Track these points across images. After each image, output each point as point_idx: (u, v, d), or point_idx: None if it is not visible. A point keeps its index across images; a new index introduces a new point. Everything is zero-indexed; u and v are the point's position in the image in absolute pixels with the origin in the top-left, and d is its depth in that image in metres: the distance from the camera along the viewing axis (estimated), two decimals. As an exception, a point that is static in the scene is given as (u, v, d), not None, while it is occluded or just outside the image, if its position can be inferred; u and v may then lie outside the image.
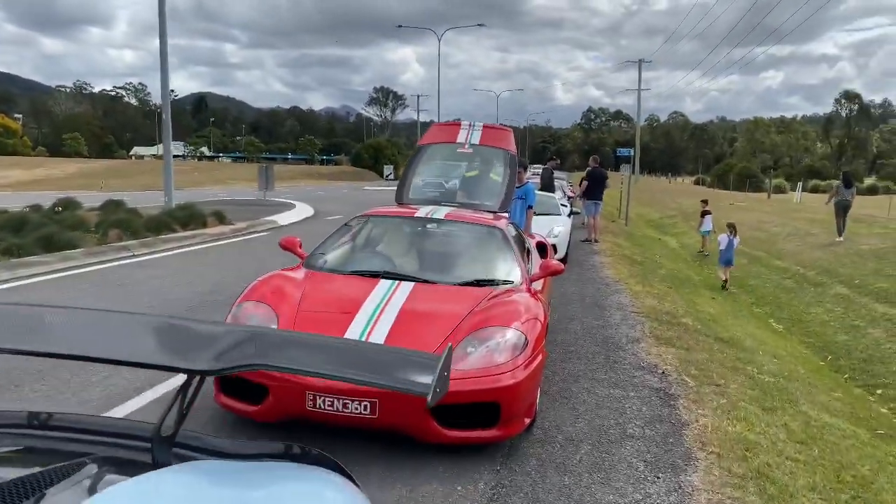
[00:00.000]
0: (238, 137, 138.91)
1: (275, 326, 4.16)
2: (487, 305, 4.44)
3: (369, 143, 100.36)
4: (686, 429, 4.78)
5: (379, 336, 4.08)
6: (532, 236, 7.70)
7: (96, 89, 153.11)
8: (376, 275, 4.85)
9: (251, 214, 17.76)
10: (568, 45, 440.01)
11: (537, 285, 5.35)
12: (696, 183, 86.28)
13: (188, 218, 13.57)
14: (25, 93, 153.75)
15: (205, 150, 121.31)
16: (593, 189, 16.20)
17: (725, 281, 13.84)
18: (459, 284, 4.83)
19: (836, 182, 20.26)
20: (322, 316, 4.33)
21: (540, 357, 4.28)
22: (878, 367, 9.01)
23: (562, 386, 5.55)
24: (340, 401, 3.71)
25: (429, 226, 5.65)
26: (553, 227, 12.26)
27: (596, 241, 16.35)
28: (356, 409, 3.71)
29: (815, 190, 76.36)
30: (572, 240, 15.79)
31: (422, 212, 5.73)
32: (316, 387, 3.72)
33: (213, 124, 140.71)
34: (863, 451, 5.35)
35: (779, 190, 74.01)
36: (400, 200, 6.69)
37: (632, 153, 26.22)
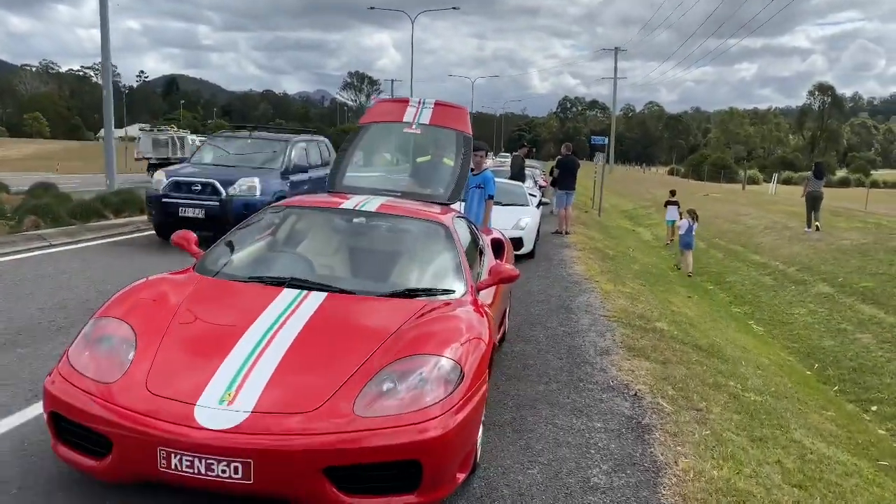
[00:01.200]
0: (210, 121, 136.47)
1: (132, 354, 3.18)
2: (417, 324, 3.49)
3: (342, 127, 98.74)
4: (663, 475, 3.87)
5: (267, 365, 3.11)
6: (490, 231, 6.74)
7: (63, 69, 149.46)
8: (281, 282, 3.86)
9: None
10: (544, 33, 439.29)
11: (486, 295, 4.40)
12: (670, 173, 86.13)
13: (122, 204, 12.42)
14: None
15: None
16: (565, 178, 15.32)
17: (678, 266, 14.50)
18: (385, 295, 3.86)
19: (809, 172, 19.75)
20: (198, 337, 3.35)
21: (481, 391, 3.34)
22: (870, 379, 8.24)
23: (515, 414, 4.62)
24: (203, 461, 2.74)
25: (356, 220, 4.65)
26: (519, 218, 11.34)
27: (567, 232, 15.48)
28: (224, 471, 2.74)
29: (787, 182, 76.49)
30: (542, 231, 14.91)
31: (350, 202, 4.72)
32: (171, 441, 2.75)
33: (184, 107, 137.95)
34: (870, 495, 4.51)
35: (752, 181, 74.03)
36: (332, 188, 5.70)
37: (606, 141, 25.40)
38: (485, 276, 4.69)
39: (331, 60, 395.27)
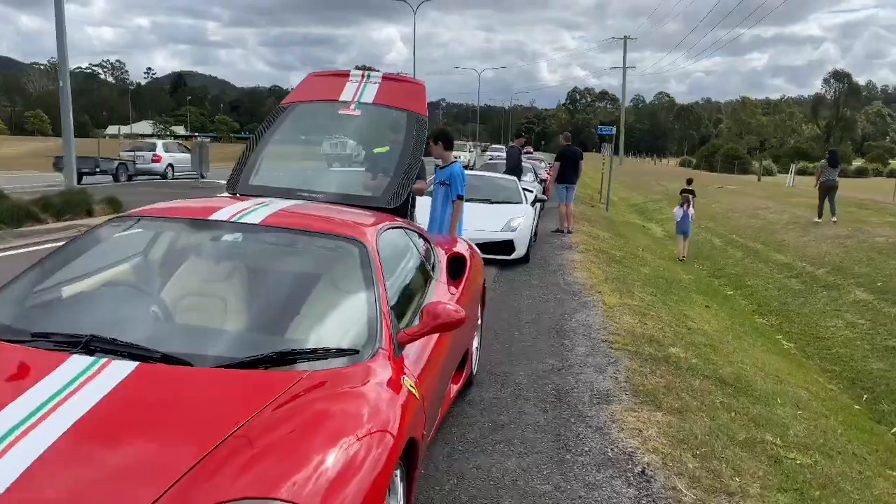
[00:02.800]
0: (218, 117, 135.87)
1: None
2: (267, 422, 2.06)
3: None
4: None
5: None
6: (454, 243, 5.26)
7: (72, 67, 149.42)
8: (76, 342, 2.43)
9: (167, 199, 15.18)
10: (553, 25, 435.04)
11: (413, 350, 2.95)
12: (682, 164, 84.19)
13: (65, 206, 11.07)
14: (2, 70, 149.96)
15: (178, 129, 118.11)
16: (564, 171, 13.82)
17: (682, 256, 14.68)
18: (240, 364, 2.41)
19: (822, 161, 18.69)
20: None
21: None
22: (935, 416, 6.78)
23: (466, 517, 3.20)
24: None
25: (226, 238, 3.20)
26: (511, 218, 9.88)
27: (569, 231, 14.01)
28: None
29: (802, 172, 74.53)
30: (541, 231, 13.45)
31: (226, 210, 3.25)
32: None
33: (192, 103, 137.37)
34: None
35: (767, 172, 72.09)
36: (232, 190, 4.27)
37: (614, 131, 23.82)
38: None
39: (340, 55, 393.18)
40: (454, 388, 4.13)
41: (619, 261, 11.60)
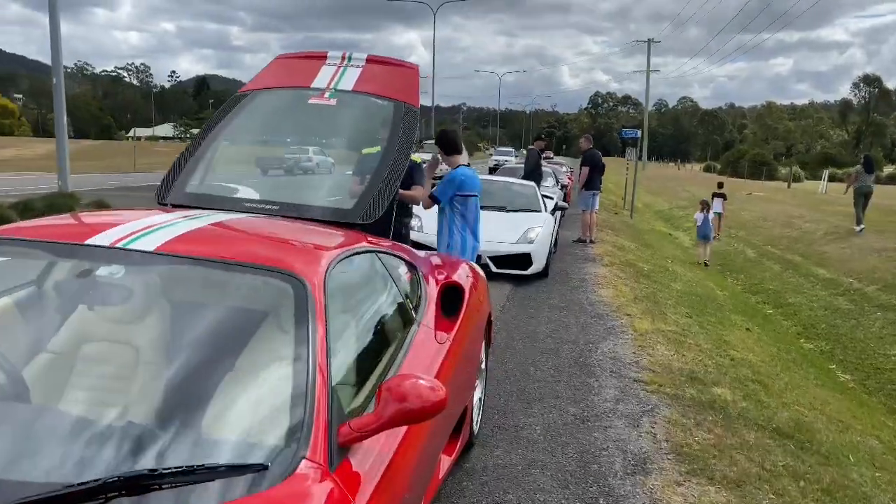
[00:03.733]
0: None
1: None
2: None
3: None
4: None
5: None
6: (452, 265, 4.19)
7: (98, 70, 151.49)
8: None
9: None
10: (575, 30, 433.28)
11: (370, 449, 1.95)
12: (706, 170, 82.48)
13: (47, 209, 10.23)
14: (32, 74, 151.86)
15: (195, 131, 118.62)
16: (590, 176, 12.79)
17: (706, 261, 14.65)
18: (55, 500, 1.44)
19: (855, 167, 18.51)
20: None
21: None
22: None
23: None
24: None
25: (98, 274, 2.23)
26: (528, 228, 8.88)
27: (592, 241, 12.96)
28: None
29: (832, 179, 72.62)
30: (561, 240, 12.42)
31: (116, 230, 2.27)
32: None
33: (214, 106, 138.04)
34: None
35: (794, 178, 70.29)
36: (161, 198, 3.32)
37: (638, 135, 22.74)
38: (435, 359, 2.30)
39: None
40: (446, 460, 3.14)
41: (647, 275, 10.55)
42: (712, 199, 18.64)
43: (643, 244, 15.30)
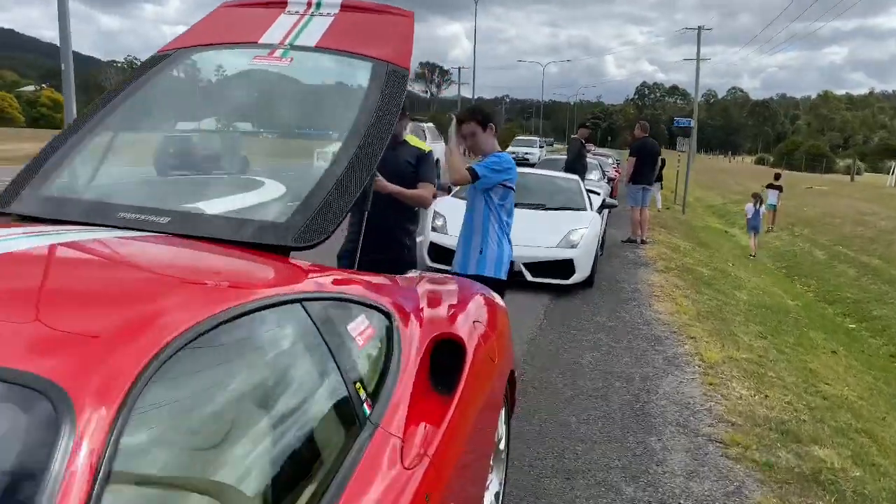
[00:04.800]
0: None
1: None
2: None
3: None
4: None
5: None
6: (456, 301, 2.87)
7: None
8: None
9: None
10: (620, 20, 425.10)
11: None
12: (758, 162, 79.49)
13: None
14: (83, 68, 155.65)
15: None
16: (642, 168, 11.42)
17: (753, 253, 14.68)
18: None
19: None
20: None
21: None
22: None
23: None
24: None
25: None
26: (570, 230, 7.60)
27: (644, 241, 11.60)
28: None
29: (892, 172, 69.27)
30: (609, 240, 11.09)
31: None
32: None
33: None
34: None
35: (849, 171, 67.30)
36: (5, 206, 2.18)
37: (692, 124, 21.16)
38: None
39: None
40: None
41: (707, 282, 9.17)
42: (767, 190, 18.95)
43: (699, 243, 13.85)
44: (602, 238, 9.80)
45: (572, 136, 13.21)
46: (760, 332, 7.11)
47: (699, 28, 71.09)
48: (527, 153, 30.37)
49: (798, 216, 19.38)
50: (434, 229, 7.68)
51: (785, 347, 6.80)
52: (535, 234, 7.51)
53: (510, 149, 30.52)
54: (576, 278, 7.44)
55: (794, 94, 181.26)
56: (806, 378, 5.81)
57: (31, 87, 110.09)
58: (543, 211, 8.09)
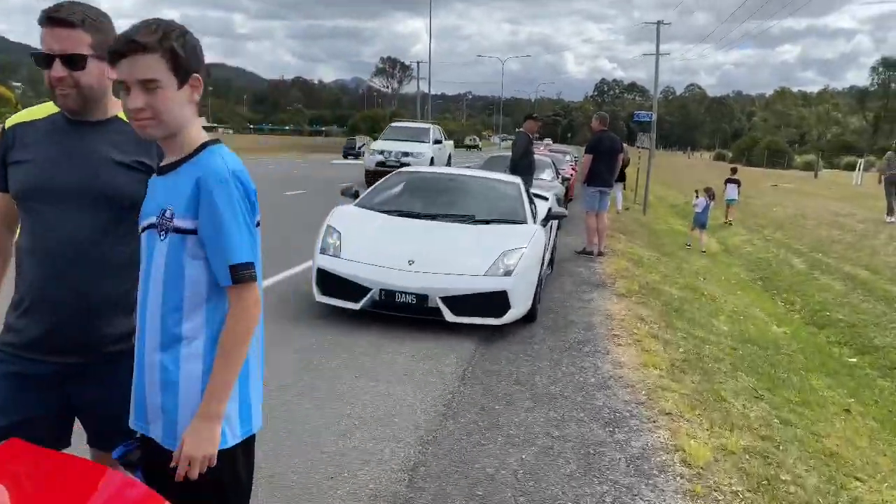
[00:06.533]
0: (229, 107, 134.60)
1: None
2: None
3: (366, 113, 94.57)
4: None
5: None
6: None
7: None
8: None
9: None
10: (580, 17, 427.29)
11: None
12: (717, 158, 79.05)
13: None
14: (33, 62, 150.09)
15: (200, 120, 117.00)
16: (599, 168, 9.63)
17: (692, 243, 14.16)
18: None
19: (886, 155, 17.36)
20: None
21: None
22: None
23: None
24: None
25: None
26: (503, 252, 5.70)
27: (601, 252, 9.83)
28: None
29: (851, 167, 69.31)
30: (561, 249, 9.32)
31: None
32: None
33: (215, 95, 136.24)
34: None
35: (809, 167, 67.15)
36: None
37: (653, 118, 19.56)
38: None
39: (366, 48, 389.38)
40: None
41: (679, 309, 7.40)
42: (725, 185, 18.61)
43: (664, 253, 12.14)
44: (552, 252, 7.98)
45: (517, 129, 11.34)
46: (754, 388, 5.33)
47: (658, 22, 70.30)
48: (406, 154, 18.78)
49: (768, 217, 17.89)
50: (323, 250, 5.75)
51: (789, 413, 5.02)
52: (456, 258, 5.62)
53: (377, 144, 19.65)
54: (511, 315, 5.56)
55: (750, 91, 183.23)
56: (830, 475, 4.03)
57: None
58: (470, 225, 6.18)
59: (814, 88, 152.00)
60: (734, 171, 20.13)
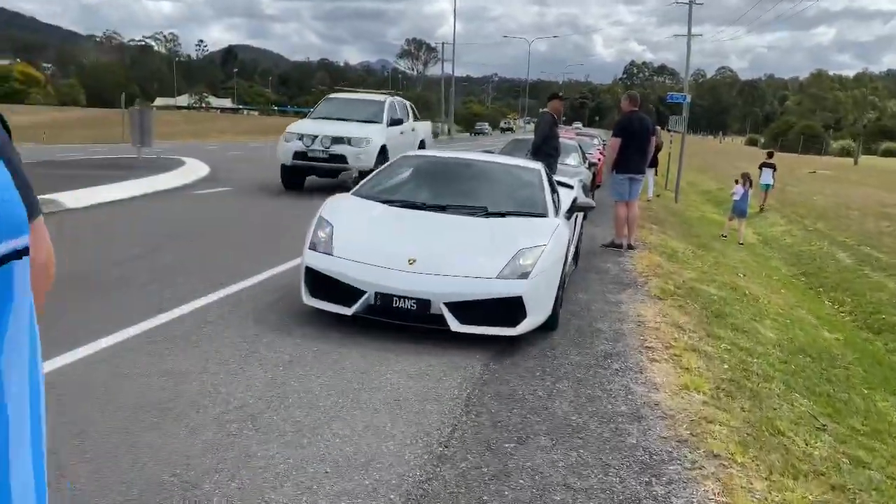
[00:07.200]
0: (254, 88, 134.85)
1: None
2: None
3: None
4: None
5: None
6: None
7: (126, 39, 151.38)
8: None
9: (66, 182, 10.59)
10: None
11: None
12: (750, 143, 77.04)
13: None
14: (65, 43, 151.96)
15: (226, 101, 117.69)
16: (630, 153, 8.76)
17: (728, 234, 13.70)
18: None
19: None
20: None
21: None
22: None
23: None
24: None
25: None
26: (519, 251, 4.90)
27: (631, 246, 9.00)
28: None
29: (888, 153, 67.23)
30: (586, 240, 8.55)
31: None
32: None
33: (241, 76, 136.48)
34: None
35: (846, 153, 65.13)
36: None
37: (687, 99, 18.50)
38: None
39: (392, 29, 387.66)
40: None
41: (719, 313, 6.56)
42: (760, 169, 18.33)
43: (699, 245, 11.25)
44: (576, 246, 7.17)
45: (541, 109, 10.46)
46: (813, 415, 4.51)
47: (690, 2, 68.37)
48: (338, 140, 12.18)
49: (807, 206, 16.84)
50: (313, 246, 5.02)
51: (859, 448, 4.21)
52: (464, 257, 4.85)
53: (298, 126, 12.80)
54: (528, 325, 4.78)
55: (782, 75, 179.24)
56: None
57: (5, 62, 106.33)
58: (481, 219, 5.39)
59: (849, 72, 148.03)
60: (770, 154, 19.89)
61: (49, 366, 3.79)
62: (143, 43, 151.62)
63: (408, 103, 15.02)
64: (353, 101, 14.14)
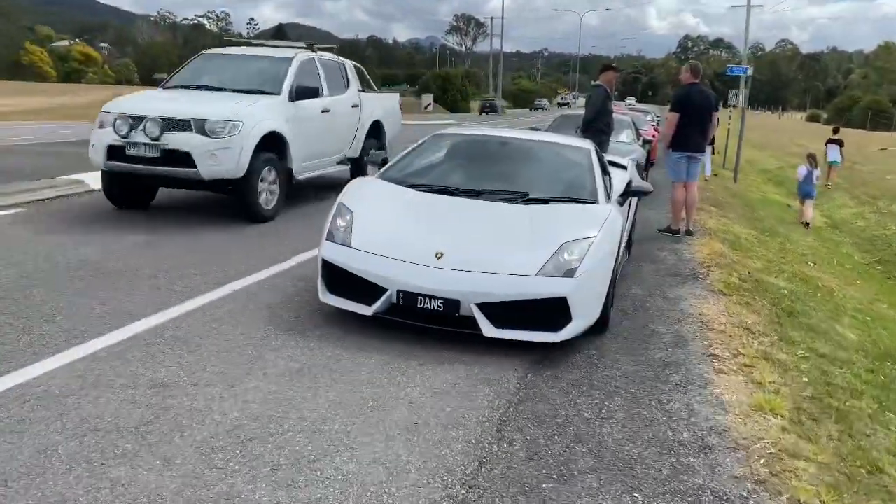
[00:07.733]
0: None
1: None
2: None
3: (437, 73, 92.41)
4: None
5: None
6: None
7: (179, 18, 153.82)
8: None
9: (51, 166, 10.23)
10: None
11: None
12: (812, 119, 73.93)
13: None
14: (123, 24, 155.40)
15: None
16: (688, 131, 7.96)
17: (807, 222, 12.78)
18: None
19: None
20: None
21: None
22: None
23: None
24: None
25: None
26: (564, 244, 4.26)
27: (689, 231, 8.25)
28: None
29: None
30: (640, 225, 7.86)
31: None
32: None
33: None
34: None
35: (916, 129, 61.91)
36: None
37: (749, 71, 17.35)
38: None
39: (441, 5, 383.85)
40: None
41: (792, 312, 5.81)
42: (826, 145, 18.01)
43: (762, 229, 10.38)
44: (630, 233, 6.49)
45: (593, 82, 9.67)
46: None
47: (751, -29, 65.71)
48: (169, 125, 6.70)
49: (880, 186, 15.66)
50: (331, 236, 4.47)
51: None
52: (500, 251, 4.23)
53: (115, 104, 7.07)
54: (573, 329, 4.15)
55: (846, 47, 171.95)
56: None
57: (65, 42, 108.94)
58: (520, 206, 4.75)
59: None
60: (836, 130, 19.27)
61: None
62: (195, 22, 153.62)
63: (350, 64, 9.96)
64: (240, 60, 8.69)
